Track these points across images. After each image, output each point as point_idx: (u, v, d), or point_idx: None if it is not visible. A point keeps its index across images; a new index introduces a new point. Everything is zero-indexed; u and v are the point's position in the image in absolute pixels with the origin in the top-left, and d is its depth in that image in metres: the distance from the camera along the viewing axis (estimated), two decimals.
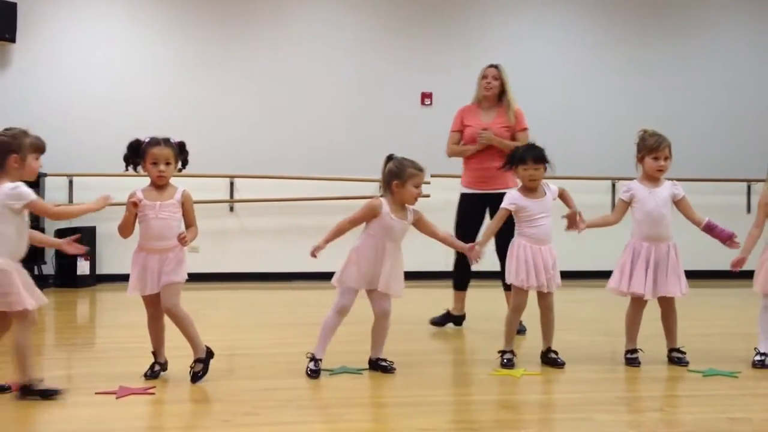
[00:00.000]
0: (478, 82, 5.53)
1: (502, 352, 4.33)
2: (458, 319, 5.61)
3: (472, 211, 5.42)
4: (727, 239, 4.32)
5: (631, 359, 4.38)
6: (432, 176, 6.83)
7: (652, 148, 4.31)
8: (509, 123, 5.38)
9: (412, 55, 9.32)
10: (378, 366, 4.19)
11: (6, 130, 3.59)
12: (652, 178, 4.37)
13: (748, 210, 9.36)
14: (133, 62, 8.92)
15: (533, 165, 4.27)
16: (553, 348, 4.38)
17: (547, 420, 3.45)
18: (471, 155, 5.43)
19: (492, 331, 4.60)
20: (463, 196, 5.52)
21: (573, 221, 4.32)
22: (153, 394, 3.64)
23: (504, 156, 4.69)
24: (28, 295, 3.50)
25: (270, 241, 8.89)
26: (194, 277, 9.36)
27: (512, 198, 4.33)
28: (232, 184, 8.84)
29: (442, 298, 5.81)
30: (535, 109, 9.37)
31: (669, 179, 4.43)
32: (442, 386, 3.94)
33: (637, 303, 4.41)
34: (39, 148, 3.65)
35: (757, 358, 4.35)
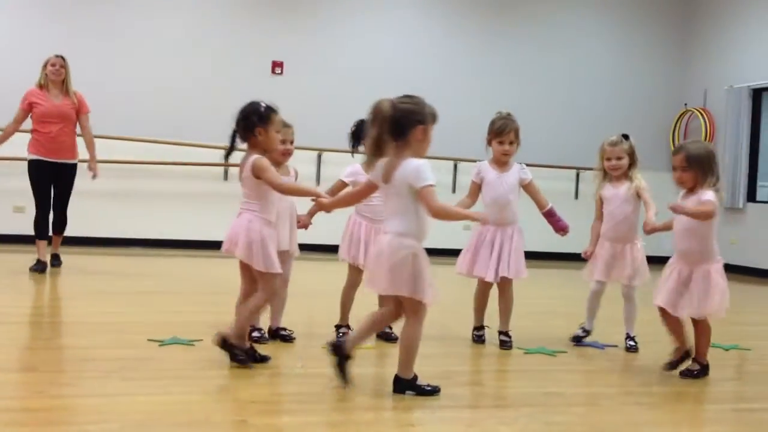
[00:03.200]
0: (43, 69, 6.35)
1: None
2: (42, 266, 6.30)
3: (44, 178, 6.34)
4: (561, 230, 4.43)
5: (478, 336, 4.53)
6: None
7: (497, 132, 4.35)
8: (74, 104, 6.42)
9: (263, 23, 9.17)
10: (279, 335, 4.21)
11: (406, 97, 3.26)
12: (500, 162, 4.43)
13: (576, 196, 9.87)
14: None
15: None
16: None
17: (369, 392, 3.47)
18: (43, 128, 6.31)
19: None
20: (35, 162, 6.36)
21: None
22: None
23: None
24: (430, 288, 3.23)
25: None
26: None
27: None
28: None
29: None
30: (373, 87, 9.53)
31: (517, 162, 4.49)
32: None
33: (484, 284, 4.50)
34: (436, 117, 3.30)
35: (579, 332, 4.64)
